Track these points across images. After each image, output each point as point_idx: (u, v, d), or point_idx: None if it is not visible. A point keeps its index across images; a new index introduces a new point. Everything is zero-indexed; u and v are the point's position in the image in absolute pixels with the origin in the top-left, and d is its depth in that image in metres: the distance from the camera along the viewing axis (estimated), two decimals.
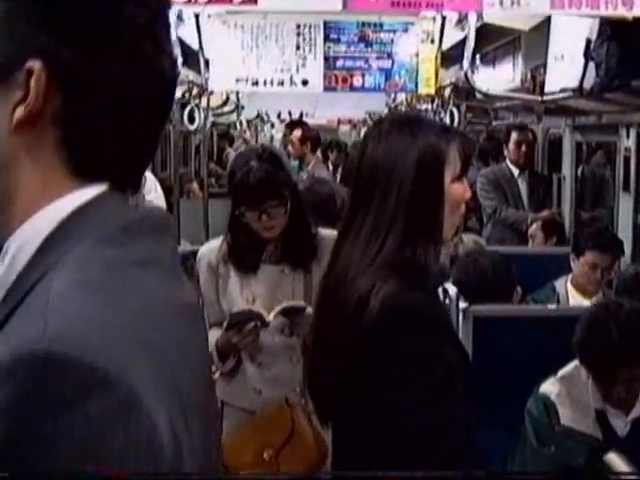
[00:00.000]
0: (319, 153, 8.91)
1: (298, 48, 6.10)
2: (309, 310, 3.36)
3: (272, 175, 3.38)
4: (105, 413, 0.91)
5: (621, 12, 4.33)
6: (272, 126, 19.25)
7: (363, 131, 19.63)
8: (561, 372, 3.46)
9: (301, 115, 13.75)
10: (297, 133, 8.60)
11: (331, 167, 13.62)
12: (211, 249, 3.61)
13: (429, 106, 8.88)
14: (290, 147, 8.69)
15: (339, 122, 19.51)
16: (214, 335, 3.54)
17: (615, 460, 2.45)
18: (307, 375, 2.57)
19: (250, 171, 3.36)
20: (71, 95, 1.07)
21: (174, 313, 1.10)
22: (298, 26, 6.07)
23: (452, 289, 3.79)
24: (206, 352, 1.25)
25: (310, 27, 6.07)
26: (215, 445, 1.19)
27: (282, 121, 16.46)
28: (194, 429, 1.04)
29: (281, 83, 6.15)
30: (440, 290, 4.34)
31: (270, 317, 3.36)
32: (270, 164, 3.41)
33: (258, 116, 16.10)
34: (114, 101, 1.09)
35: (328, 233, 3.61)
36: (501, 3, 4.46)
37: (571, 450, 3.29)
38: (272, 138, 20.19)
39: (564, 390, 3.39)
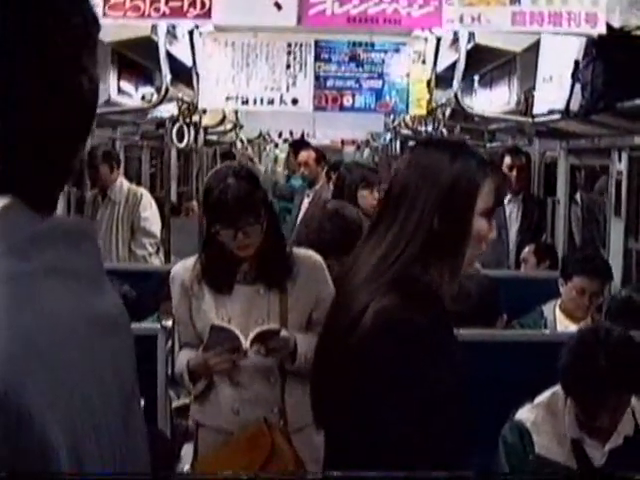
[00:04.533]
0: (324, 174, 8.89)
1: (288, 67, 6.04)
2: (284, 333, 3.33)
3: (249, 193, 3.34)
4: None
5: (585, 29, 4.32)
6: (276, 146, 19.31)
7: (366, 152, 19.66)
8: (538, 399, 3.40)
9: (303, 135, 13.75)
10: (312, 154, 8.57)
11: (332, 187, 13.60)
12: (185, 268, 3.55)
13: (428, 128, 8.88)
14: (302, 167, 8.63)
15: (343, 143, 19.48)
16: (185, 356, 3.49)
17: None
18: (310, 380, 2.56)
19: (227, 188, 3.31)
20: None
21: (81, 324, 1.06)
22: (289, 45, 6.02)
23: None
24: (126, 363, 1.20)
25: (301, 46, 6.02)
26: (134, 460, 1.17)
27: (285, 141, 16.49)
28: (102, 442, 1.03)
29: (271, 102, 6.10)
30: None
31: (246, 344, 3.30)
32: (247, 182, 3.36)
33: (260, 135, 16.12)
34: (23, 117, 1.05)
35: (303, 252, 3.58)
36: (461, 19, 4.44)
37: None
38: (276, 158, 20.24)
39: (540, 417, 3.32)
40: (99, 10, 4.52)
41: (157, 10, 4.58)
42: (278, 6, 4.44)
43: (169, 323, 3.89)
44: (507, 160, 7.25)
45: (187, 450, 4.05)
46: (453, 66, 5.86)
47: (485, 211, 2.33)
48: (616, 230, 6.15)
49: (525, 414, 3.36)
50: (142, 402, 1.33)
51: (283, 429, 3.38)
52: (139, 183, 8.98)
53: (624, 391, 3.20)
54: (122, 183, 7.36)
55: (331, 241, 4.17)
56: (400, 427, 2.15)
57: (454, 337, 2.43)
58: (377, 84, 6.11)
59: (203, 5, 4.54)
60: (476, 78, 7.87)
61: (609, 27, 4.36)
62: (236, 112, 10.17)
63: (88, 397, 1.02)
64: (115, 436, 1.08)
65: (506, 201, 7.16)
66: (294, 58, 6.04)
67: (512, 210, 7.22)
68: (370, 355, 2.18)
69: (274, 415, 3.42)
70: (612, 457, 3.26)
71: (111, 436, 1.06)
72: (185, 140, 6.96)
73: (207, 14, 4.55)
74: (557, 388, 3.34)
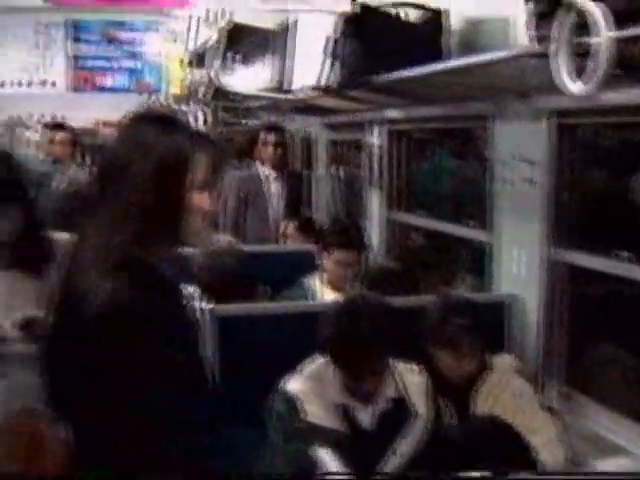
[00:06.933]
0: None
1: (40, 47, 5.89)
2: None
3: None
4: None
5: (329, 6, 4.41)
6: (27, 129, 18.72)
7: None
8: (305, 369, 3.46)
9: (55, 119, 13.35)
10: (61, 135, 8.27)
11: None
12: None
13: (186, 107, 8.85)
14: (57, 149, 8.35)
15: (103, 125, 19.06)
16: None
17: None
18: (44, 369, 2.42)
19: None
20: None
21: None
22: (41, 25, 5.87)
23: (194, 290, 3.74)
24: None
25: (51, 26, 5.87)
26: None
27: (45, 126, 16.00)
28: None
29: (26, 84, 5.93)
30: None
31: (7, 329, 3.21)
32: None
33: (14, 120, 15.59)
34: None
35: (62, 236, 3.50)
36: None
37: (318, 446, 3.28)
38: (28, 141, 19.62)
39: (308, 386, 3.38)
40: None
41: None
42: None
43: None
44: (269, 137, 7.35)
45: None
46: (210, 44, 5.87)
47: (200, 185, 2.30)
48: (374, 201, 6.32)
49: (294, 384, 3.41)
50: None
51: (48, 417, 3.31)
52: None
53: (384, 355, 3.33)
54: None
55: None
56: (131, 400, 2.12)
57: (183, 312, 2.42)
58: (133, 63, 6.04)
59: None
60: (236, 57, 7.88)
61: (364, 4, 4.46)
62: None
63: None
64: None
65: (271, 177, 7.28)
66: (46, 38, 5.89)
67: (276, 186, 7.35)
68: (97, 339, 2.12)
69: (39, 403, 3.34)
70: (381, 419, 3.37)
71: None
72: None
73: None
74: (323, 358, 3.42)
